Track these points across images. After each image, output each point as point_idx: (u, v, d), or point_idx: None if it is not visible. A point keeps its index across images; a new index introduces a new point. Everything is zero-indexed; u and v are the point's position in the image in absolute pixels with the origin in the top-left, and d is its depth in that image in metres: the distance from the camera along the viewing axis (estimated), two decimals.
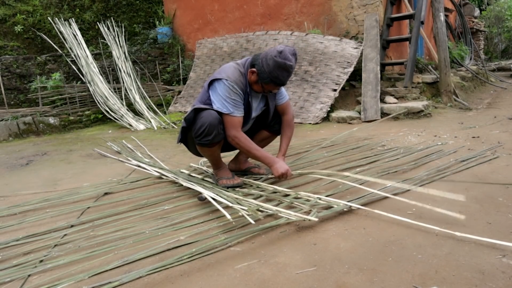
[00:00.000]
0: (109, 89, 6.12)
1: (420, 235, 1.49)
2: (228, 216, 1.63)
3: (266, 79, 2.03)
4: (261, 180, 2.29)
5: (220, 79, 2.08)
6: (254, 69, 2.06)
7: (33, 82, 5.96)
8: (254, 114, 2.26)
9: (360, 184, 2.02)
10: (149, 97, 6.40)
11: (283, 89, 2.36)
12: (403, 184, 1.92)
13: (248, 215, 1.64)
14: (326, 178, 2.26)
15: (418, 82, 5.34)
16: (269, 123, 2.39)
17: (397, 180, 2.13)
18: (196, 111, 2.10)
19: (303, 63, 5.32)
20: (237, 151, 2.54)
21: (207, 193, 1.97)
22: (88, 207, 2.10)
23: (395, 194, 1.93)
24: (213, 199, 1.91)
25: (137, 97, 6.19)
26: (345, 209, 1.77)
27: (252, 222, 1.59)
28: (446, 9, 8.31)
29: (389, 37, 5.43)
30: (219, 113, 2.08)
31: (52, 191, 2.51)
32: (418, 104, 4.56)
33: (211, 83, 2.13)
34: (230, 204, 1.80)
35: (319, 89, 5.03)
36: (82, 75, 6.15)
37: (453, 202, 1.79)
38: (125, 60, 6.56)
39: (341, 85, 4.94)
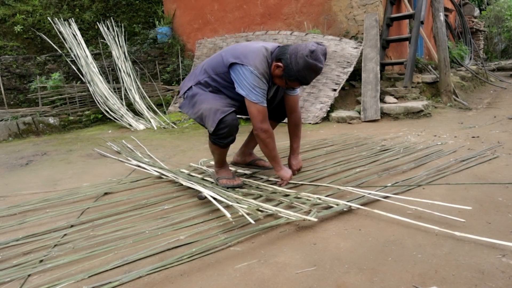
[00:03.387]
0: (109, 89, 6.11)
1: (419, 235, 1.49)
2: (228, 216, 1.63)
3: (292, 77, 1.92)
4: (261, 181, 2.29)
5: (246, 65, 1.93)
6: (280, 64, 1.93)
7: (33, 82, 5.96)
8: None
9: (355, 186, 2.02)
10: (149, 97, 6.40)
11: None
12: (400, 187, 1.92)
13: (248, 214, 1.64)
14: (325, 178, 2.26)
15: (418, 82, 5.34)
16: (271, 110, 2.29)
17: (397, 181, 2.13)
18: (216, 112, 1.97)
19: None
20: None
21: (207, 193, 1.97)
22: (88, 207, 2.10)
23: (394, 194, 1.93)
24: (213, 198, 1.91)
25: (137, 97, 6.19)
26: (344, 209, 1.77)
27: (252, 222, 1.59)
28: (446, 9, 8.31)
29: (389, 37, 5.43)
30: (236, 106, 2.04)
31: (52, 191, 2.51)
32: (418, 104, 4.56)
33: (233, 64, 1.98)
34: (230, 204, 1.80)
35: (318, 89, 5.03)
36: (82, 75, 6.15)
37: (452, 202, 1.79)
38: (124, 60, 6.55)
39: (341, 85, 4.94)
